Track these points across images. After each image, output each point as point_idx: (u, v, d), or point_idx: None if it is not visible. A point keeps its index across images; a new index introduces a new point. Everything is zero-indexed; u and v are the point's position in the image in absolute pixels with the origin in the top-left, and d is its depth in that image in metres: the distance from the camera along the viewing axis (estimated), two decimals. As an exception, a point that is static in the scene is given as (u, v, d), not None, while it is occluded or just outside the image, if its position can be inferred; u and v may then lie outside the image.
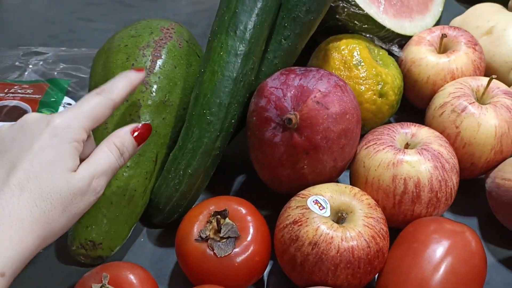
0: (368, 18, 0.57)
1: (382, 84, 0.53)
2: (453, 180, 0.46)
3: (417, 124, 0.49)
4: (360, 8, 0.57)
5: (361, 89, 0.53)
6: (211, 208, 0.45)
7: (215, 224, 0.43)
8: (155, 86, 0.50)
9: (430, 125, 0.51)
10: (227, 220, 0.44)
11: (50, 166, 0.35)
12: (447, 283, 0.40)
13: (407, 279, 0.40)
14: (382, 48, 0.58)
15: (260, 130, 0.46)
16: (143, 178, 0.49)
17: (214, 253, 0.42)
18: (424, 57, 0.56)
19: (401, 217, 0.46)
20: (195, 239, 0.43)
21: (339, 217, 0.42)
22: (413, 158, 0.45)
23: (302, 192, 0.44)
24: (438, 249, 0.41)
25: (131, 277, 0.42)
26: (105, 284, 0.40)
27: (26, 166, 0.34)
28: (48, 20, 0.77)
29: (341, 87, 0.46)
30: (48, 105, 0.61)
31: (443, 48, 0.57)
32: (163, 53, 0.52)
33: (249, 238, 0.43)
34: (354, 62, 0.53)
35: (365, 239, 0.40)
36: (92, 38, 0.73)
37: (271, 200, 0.50)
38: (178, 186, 0.48)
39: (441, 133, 0.49)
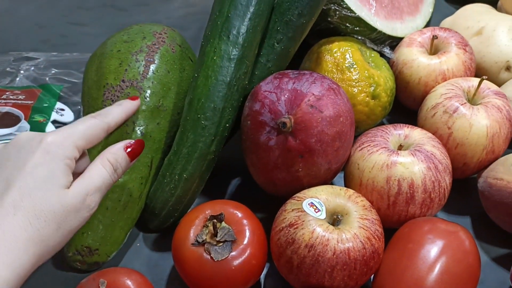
0: (359, 21, 0.58)
1: (374, 86, 0.53)
2: (446, 180, 0.47)
3: (410, 125, 0.50)
4: (351, 11, 0.57)
5: (354, 91, 0.53)
6: (207, 212, 0.45)
7: (211, 228, 0.43)
8: (148, 91, 0.50)
9: (422, 126, 0.52)
10: (223, 224, 0.44)
11: (43, 184, 0.35)
12: (442, 282, 0.40)
13: (403, 279, 0.41)
14: (374, 50, 0.58)
15: (254, 134, 0.46)
16: (138, 183, 0.49)
17: (211, 257, 0.42)
18: (415, 58, 0.56)
19: (395, 217, 0.47)
20: (192, 243, 0.43)
21: (335, 219, 0.42)
22: (406, 159, 0.46)
23: (298, 195, 0.44)
24: (433, 249, 0.41)
25: (129, 282, 0.42)
26: (103, 290, 0.41)
27: (20, 184, 0.34)
28: (38, 25, 0.76)
29: (335, 90, 0.46)
30: (40, 111, 0.61)
31: (434, 49, 0.58)
32: (156, 58, 0.52)
33: (245, 242, 0.43)
34: (346, 65, 0.53)
35: (360, 241, 0.41)
36: (84, 43, 0.72)
37: (267, 203, 0.50)
38: (174, 190, 0.48)
39: (433, 134, 0.50)
